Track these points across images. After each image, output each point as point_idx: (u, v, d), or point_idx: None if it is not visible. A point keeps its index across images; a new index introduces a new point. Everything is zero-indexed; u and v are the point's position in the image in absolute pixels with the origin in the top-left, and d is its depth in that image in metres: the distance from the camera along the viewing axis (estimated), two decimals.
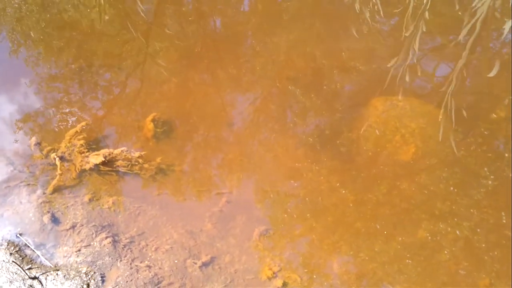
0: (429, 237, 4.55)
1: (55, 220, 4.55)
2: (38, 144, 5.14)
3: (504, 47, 6.37)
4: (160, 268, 4.30)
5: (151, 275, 4.23)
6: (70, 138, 5.18)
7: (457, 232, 4.57)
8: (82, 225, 4.53)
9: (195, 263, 4.36)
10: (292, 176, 5.07)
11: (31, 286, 4.05)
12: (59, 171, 4.89)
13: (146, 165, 5.03)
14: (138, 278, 4.19)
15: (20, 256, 4.26)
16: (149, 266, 4.30)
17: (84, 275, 4.15)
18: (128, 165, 5.01)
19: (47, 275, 4.13)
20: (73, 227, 4.52)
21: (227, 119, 5.63)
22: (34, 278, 4.09)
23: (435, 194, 4.84)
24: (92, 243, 4.40)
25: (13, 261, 4.18)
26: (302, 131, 5.48)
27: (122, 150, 5.05)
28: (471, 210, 4.71)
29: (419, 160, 5.10)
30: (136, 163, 5.02)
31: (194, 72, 6.13)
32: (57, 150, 5.09)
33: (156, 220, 4.66)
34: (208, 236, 4.58)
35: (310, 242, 4.58)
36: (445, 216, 4.68)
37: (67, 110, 5.59)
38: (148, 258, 4.37)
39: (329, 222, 4.71)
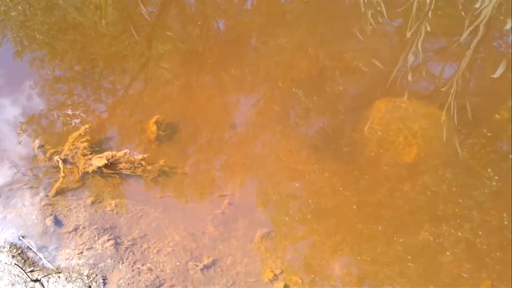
0: (431, 239, 4.53)
1: (57, 222, 4.57)
2: (42, 146, 5.17)
3: (509, 47, 6.33)
4: (161, 271, 4.31)
5: (153, 278, 4.24)
6: (74, 141, 5.20)
7: (459, 234, 4.55)
8: (85, 228, 4.54)
9: (197, 266, 4.36)
10: (295, 178, 5.07)
11: None
12: (62, 174, 4.91)
13: (149, 168, 5.04)
14: (139, 280, 4.20)
15: (22, 258, 4.29)
16: (150, 269, 4.31)
17: (86, 278, 4.16)
18: (131, 167, 5.02)
19: (49, 277, 4.15)
20: (75, 229, 4.54)
21: (230, 121, 5.63)
22: (36, 280, 4.11)
23: (437, 196, 4.82)
24: (94, 246, 4.42)
25: (15, 264, 4.20)
26: (305, 133, 5.48)
27: (125, 153, 5.06)
28: (473, 212, 4.68)
29: (422, 161, 5.08)
30: (139, 166, 5.04)
31: (197, 74, 6.14)
32: (61, 152, 5.11)
33: (159, 223, 4.67)
34: (210, 239, 4.58)
35: (312, 244, 4.58)
36: (448, 217, 4.66)
37: (71, 113, 5.61)
38: (150, 261, 4.38)
39: (331, 224, 4.70)
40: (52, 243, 4.44)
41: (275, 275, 4.32)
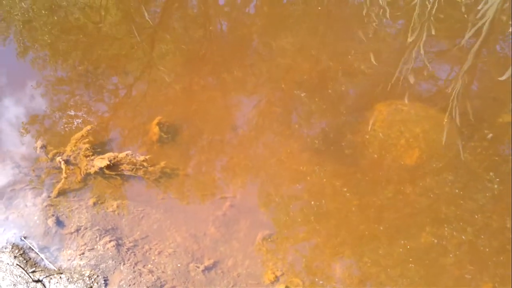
0: (433, 241, 4.52)
1: (59, 223, 4.58)
2: (44, 147, 5.18)
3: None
4: (163, 272, 4.31)
5: (154, 279, 4.24)
6: (76, 142, 5.21)
7: (463, 237, 4.55)
8: (86, 229, 4.55)
9: (198, 267, 4.36)
10: (296, 180, 5.07)
11: None
12: (64, 175, 4.92)
13: (150, 169, 5.04)
14: (141, 281, 4.20)
15: (24, 259, 4.29)
16: (152, 270, 4.31)
17: (87, 278, 4.17)
18: (132, 168, 5.03)
19: (51, 278, 4.15)
20: (77, 230, 4.54)
21: (232, 123, 5.64)
22: (38, 281, 4.12)
23: (439, 198, 4.82)
24: (95, 247, 4.42)
25: (17, 264, 4.21)
26: (306, 135, 5.48)
27: (127, 154, 5.07)
28: (476, 215, 4.68)
29: (424, 164, 5.08)
30: (141, 167, 5.04)
31: (199, 75, 6.15)
32: (63, 153, 5.12)
33: (160, 224, 4.67)
34: (212, 240, 4.58)
35: (313, 245, 4.58)
36: (450, 220, 4.65)
37: (73, 113, 5.62)
38: (151, 262, 4.38)
39: (333, 225, 4.70)
40: (54, 244, 4.45)
41: (276, 277, 4.32)
